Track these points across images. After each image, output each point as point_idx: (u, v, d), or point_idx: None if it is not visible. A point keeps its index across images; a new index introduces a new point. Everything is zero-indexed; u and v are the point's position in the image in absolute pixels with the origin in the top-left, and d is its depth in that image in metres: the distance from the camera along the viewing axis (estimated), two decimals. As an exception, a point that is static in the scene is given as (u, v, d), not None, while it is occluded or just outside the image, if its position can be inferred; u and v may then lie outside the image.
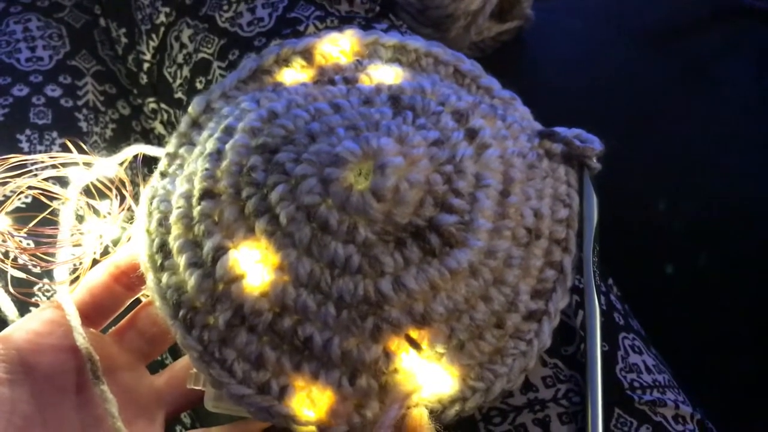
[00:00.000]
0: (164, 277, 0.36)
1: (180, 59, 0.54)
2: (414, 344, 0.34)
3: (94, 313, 0.40)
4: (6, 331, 0.37)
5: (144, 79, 0.56)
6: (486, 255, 0.35)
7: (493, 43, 0.65)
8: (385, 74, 0.40)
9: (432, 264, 0.34)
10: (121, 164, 0.43)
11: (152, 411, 0.40)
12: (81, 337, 0.37)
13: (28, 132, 0.52)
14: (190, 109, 0.41)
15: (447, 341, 0.34)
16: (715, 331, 0.49)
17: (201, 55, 0.52)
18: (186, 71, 0.53)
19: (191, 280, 0.35)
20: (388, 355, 0.33)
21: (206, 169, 0.36)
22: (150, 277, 0.36)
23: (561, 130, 0.40)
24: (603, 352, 0.37)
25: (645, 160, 0.47)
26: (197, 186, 0.36)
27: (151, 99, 0.57)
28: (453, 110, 0.37)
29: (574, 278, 0.38)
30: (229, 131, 0.37)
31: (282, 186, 0.34)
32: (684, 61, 0.59)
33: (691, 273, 0.47)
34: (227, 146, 0.36)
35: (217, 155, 0.37)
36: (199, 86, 0.52)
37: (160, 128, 0.57)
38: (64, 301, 0.38)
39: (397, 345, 0.34)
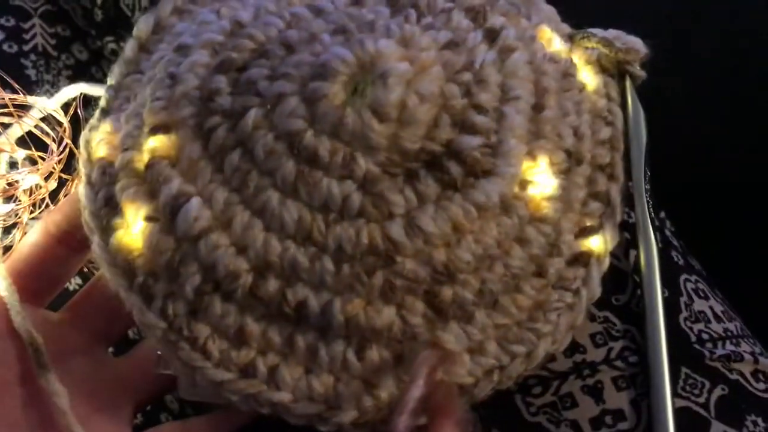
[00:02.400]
0: (113, 239, 0.28)
1: None
2: (435, 306, 0.26)
3: (36, 284, 0.32)
4: None
5: (99, 15, 0.48)
6: (520, 185, 0.27)
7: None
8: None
9: (453, 199, 0.26)
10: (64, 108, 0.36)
11: (116, 402, 0.33)
12: (20, 316, 0.30)
13: None
14: (135, 30, 0.33)
15: (477, 297, 0.27)
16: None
17: None
18: (145, 1, 0.45)
19: (147, 239, 0.27)
20: (404, 319, 0.26)
21: (157, 99, 0.28)
22: (95, 240, 0.29)
23: (596, 31, 0.32)
24: (663, 300, 0.30)
25: (696, 64, 0.39)
26: (147, 120, 0.28)
27: (109, 38, 0.48)
28: (467, 6, 0.29)
29: (624, 211, 0.31)
30: (184, 50, 0.29)
31: (255, 110, 0.27)
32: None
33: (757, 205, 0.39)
34: (182, 67, 0.29)
35: (170, 80, 0.29)
36: None
37: None
38: None
39: (415, 305, 0.26)
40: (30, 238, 0.32)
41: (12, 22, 0.49)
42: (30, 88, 0.47)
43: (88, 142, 0.30)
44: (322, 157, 0.26)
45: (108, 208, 0.29)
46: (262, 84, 0.27)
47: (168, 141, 0.28)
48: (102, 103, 0.32)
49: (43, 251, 0.32)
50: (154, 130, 0.28)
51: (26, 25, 0.49)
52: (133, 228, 0.28)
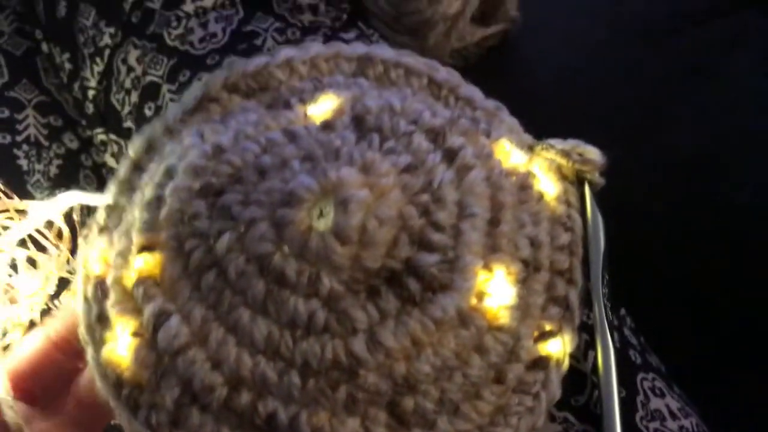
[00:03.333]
0: (103, 352, 0.31)
1: (128, 84, 0.49)
2: (397, 416, 0.28)
3: (34, 386, 0.34)
4: None
5: (90, 108, 0.51)
6: (477, 297, 0.29)
7: (477, 49, 0.60)
8: (354, 89, 0.34)
9: (412, 314, 0.28)
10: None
11: None
12: (11, 411, 0.32)
13: None
14: (129, 150, 0.36)
15: (438, 406, 0.28)
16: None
17: (149, 78, 0.47)
18: (135, 97, 0.48)
19: (133, 353, 0.29)
20: (368, 430, 0.28)
21: (144, 221, 0.31)
22: (89, 352, 0.31)
23: (555, 141, 0.35)
24: (620, 400, 0.32)
25: (649, 169, 0.41)
26: (135, 240, 0.31)
27: (99, 130, 0.52)
28: (427, 129, 0.32)
29: (582, 314, 0.32)
30: (170, 173, 0.32)
31: (228, 234, 0.29)
32: (686, 59, 0.54)
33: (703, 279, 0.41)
34: (167, 191, 0.31)
35: (156, 203, 0.31)
36: (148, 113, 0.48)
37: (111, 162, 0.52)
38: None
39: (378, 416, 0.28)
40: (31, 342, 0.35)
41: (6, 113, 0.52)
42: (21, 178, 0.50)
43: (85, 259, 0.33)
44: (290, 277, 0.28)
45: (100, 323, 0.31)
46: (236, 209, 0.29)
47: (153, 260, 0.30)
48: (98, 220, 0.34)
49: (43, 355, 0.34)
50: (141, 250, 0.31)
51: (20, 116, 0.52)
52: (121, 343, 0.30)
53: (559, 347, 0.31)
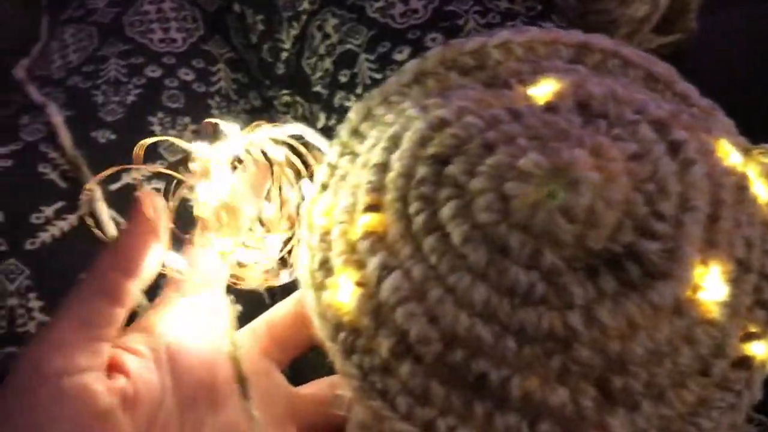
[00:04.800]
0: (324, 296, 0.33)
1: (322, 50, 0.51)
2: (605, 392, 0.29)
3: (275, 352, 0.38)
4: (151, 319, 0.36)
5: (281, 69, 0.54)
6: (692, 289, 0.30)
7: (651, 57, 0.59)
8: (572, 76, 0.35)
9: (630, 297, 0.29)
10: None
11: (284, 425, 0.37)
12: (232, 345, 0.35)
13: (160, 115, 0.50)
14: (349, 115, 0.38)
15: (645, 388, 0.29)
16: None
17: (347, 46, 0.50)
18: (328, 63, 0.51)
19: (353, 301, 0.32)
20: (576, 401, 0.29)
21: (370, 182, 0.33)
22: (309, 295, 0.34)
23: (773, 145, 0.34)
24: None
25: None
26: (361, 200, 0.33)
27: (285, 92, 0.54)
28: (652, 119, 0.32)
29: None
30: (394, 140, 0.34)
31: (455, 201, 0.31)
32: None
33: None
34: (393, 157, 0.33)
35: (382, 167, 0.34)
36: (342, 79, 0.50)
37: (292, 123, 0.55)
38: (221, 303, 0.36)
39: (587, 389, 0.29)
40: (283, 305, 0.38)
41: (202, 64, 0.55)
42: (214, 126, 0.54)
43: (309, 212, 0.35)
44: (513, 248, 0.29)
45: (323, 270, 0.34)
46: (462, 178, 0.31)
47: (377, 218, 0.32)
48: (321, 177, 0.37)
49: (290, 322, 0.38)
50: (367, 209, 0.33)
51: (213, 69, 0.55)
52: (343, 290, 0.32)
53: (763, 350, 0.31)
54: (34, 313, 0.42)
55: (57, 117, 0.48)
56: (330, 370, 0.35)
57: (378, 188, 0.33)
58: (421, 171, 0.32)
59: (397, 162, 0.33)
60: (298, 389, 0.39)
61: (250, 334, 0.38)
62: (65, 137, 0.46)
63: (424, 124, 0.33)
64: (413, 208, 0.32)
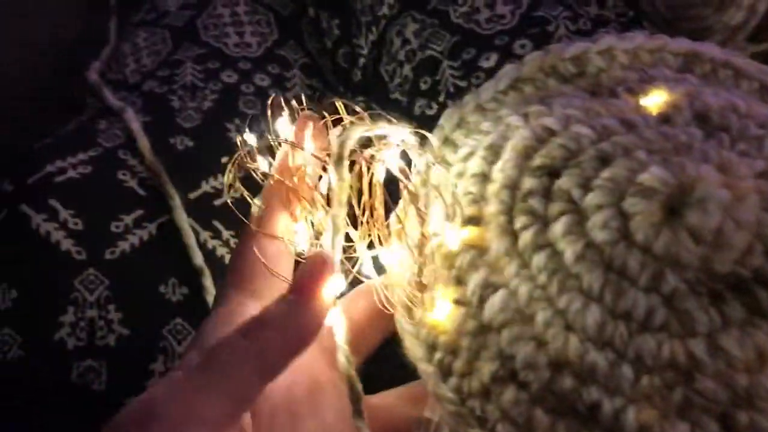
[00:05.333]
0: (418, 313, 0.31)
1: (401, 56, 0.50)
2: (728, 429, 0.27)
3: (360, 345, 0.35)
4: None
5: (357, 75, 0.53)
6: (829, 320, 0.27)
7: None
8: (685, 87, 0.33)
9: (759, 326, 0.27)
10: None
11: None
12: (347, 360, 0.30)
13: (237, 121, 0.50)
14: (441, 122, 0.36)
15: (776, 427, 0.27)
16: None
17: (428, 52, 0.48)
18: (407, 70, 0.49)
19: (451, 320, 0.30)
20: (698, 438, 0.27)
21: (470, 193, 0.32)
22: (401, 312, 0.32)
23: None
24: None
25: None
26: (459, 212, 0.31)
27: (361, 98, 0.53)
28: (780, 134, 0.30)
29: None
30: (494, 150, 0.32)
31: (568, 217, 0.29)
32: None
33: None
34: (495, 167, 0.31)
35: (481, 177, 0.32)
36: (423, 87, 0.48)
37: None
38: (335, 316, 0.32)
39: (709, 425, 0.27)
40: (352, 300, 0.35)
41: (277, 70, 0.54)
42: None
43: (400, 223, 0.34)
44: (632, 269, 0.27)
45: (416, 285, 0.32)
46: (576, 192, 0.29)
47: (478, 232, 0.31)
48: (412, 186, 0.35)
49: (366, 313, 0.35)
50: (466, 222, 0.31)
51: (288, 74, 0.54)
52: (440, 308, 0.31)
53: None
54: (113, 325, 0.41)
55: (135, 123, 0.47)
56: (389, 380, 0.33)
57: (478, 200, 0.31)
58: (528, 183, 0.30)
59: (499, 173, 0.31)
60: (378, 402, 0.37)
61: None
62: (144, 144, 0.46)
63: (528, 133, 0.32)
64: (520, 222, 0.30)
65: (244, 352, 0.27)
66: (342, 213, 0.28)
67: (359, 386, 0.30)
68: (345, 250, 0.30)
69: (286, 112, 0.34)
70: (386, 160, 0.29)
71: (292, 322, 0.27)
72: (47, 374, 0.40)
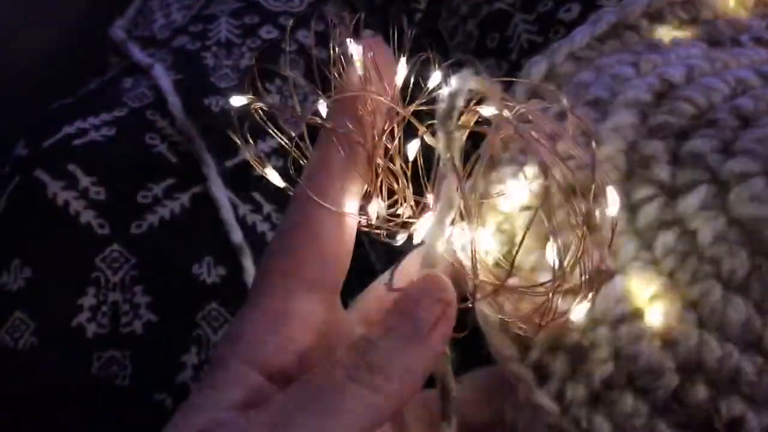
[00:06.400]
0: (506, 303, 0.26)
1: (464, 11, 0.44)
2: None
3: None
4: None
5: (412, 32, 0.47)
6: None
7: None
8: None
9: None
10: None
11: None
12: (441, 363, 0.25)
13: (278, 82, 0.44)
14: (526, 73, 0.31)
15: None
16: None
17: (496, 5, 0.42)
18: (471, 26, 0.44)
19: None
20: None
21: (570, 158, 0.26)
22: (485, 301, 0.27)
23: None
24: None
25: None
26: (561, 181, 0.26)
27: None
28: None
29: None
30: (600, 105, 0.27)
31: (704, 187, 0.23)
32: None
33: None
34: (604, 127, 0.26)
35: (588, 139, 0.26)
36: (490, 44, 0.43)
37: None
38: None
39: None
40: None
41: (321, 27, 0.49)
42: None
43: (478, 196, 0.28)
44: (788, 254, 0.22)
45: (501, 269, 0.27)
46: (714, 158, 0.24)
47: (585, 207, 0.25)
48: (492, 150, 0.30)
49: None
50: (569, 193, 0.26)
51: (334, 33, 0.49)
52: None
53: None
54: (140, 310, 0.36)
55: (165, 80, 0.42)
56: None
57: (582, 167, 0.26)
58: (651, 147, 0.25)
59: (611, 133, 0.26)
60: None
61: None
62: (175, 103, 0.40)
63: (643, 84, 0.26)
64: (641, 193, 0.24)
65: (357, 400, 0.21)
66: (453, 185, 0.22)
67: (454, 387, 0.25)
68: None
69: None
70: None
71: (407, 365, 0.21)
72: (64, 365, 0.35)
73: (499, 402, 0.28)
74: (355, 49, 0.24)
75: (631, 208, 0.24)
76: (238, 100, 0.27)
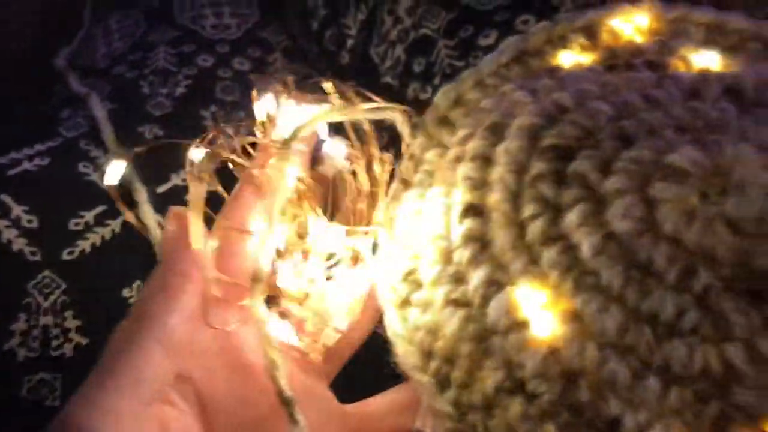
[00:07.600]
0: (411, 315, 0.28)
1: (393, 36, 0.46)
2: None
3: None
4: None
5: (345, 58, 0.49)
6: None
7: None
8: (708, 60, 0.29)
9: (807, 330, 0.23)
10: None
11: None
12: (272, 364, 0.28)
13: (213, 108, 0.46)
14: (436, 101, 0.33)
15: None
16: None
17: (422, 31, 0.44)
18: (399, 51, 0.45)
19: (451, 323, 0.26)
20: (739, 460, 0.23)
21: (469, 178, 0.28)
22: (391, 313, 0.28)
23: None
24: None
25: None
26: (459, 199, 0.28)
27: (349, 83, 0.49)
28: (819, 110, 0.26)
29: None
30: (497, 130, 0.29)
31: (584, 204, 0.25)
32: None
33: None
34: (499, 149, 0.28)
35: (483, 161, 0.28)
36: (417, 68, 0.45)
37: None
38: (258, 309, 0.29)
39: (751, 445, 0.23)
40: None
41: (258, 53, 0.50)
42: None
43: (389, 213, 0.30)
44: (658, 265, 0.24)
45: (407, 283, 0.28)
46: (593, 177, 0.25)
47: (480, 223, 0.27)
48: (402, 172, 0.31)
49: None
50: (466, 211, 0.27)
51: (270, 58, 0.51)
52: (436, 308, 0.27)
53: None
54: (70, 333, 0.37)
55: (100, 110, 0.43)
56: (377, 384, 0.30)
57: (479, 186, 0.27)
58: (538, 167, 0.26)
59: (504, 155, 0.27)
60: (350, 408, 0.33)
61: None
62: (108, 132, 0.42)
63: (536, 110, 0.28)
64: (528, 211, 0.26)
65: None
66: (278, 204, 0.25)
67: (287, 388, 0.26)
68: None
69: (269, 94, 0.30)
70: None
71: None
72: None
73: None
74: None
75: (520, 224, 0.26)
76: (197, 154, 0.29)
